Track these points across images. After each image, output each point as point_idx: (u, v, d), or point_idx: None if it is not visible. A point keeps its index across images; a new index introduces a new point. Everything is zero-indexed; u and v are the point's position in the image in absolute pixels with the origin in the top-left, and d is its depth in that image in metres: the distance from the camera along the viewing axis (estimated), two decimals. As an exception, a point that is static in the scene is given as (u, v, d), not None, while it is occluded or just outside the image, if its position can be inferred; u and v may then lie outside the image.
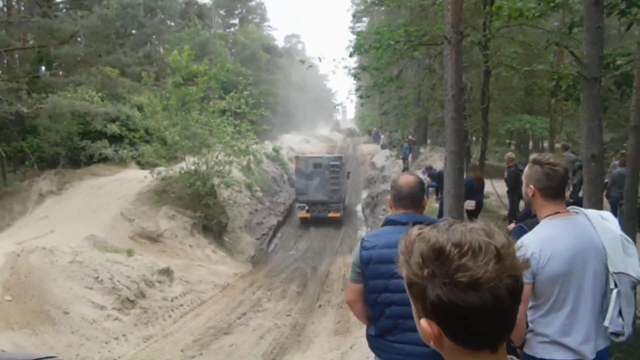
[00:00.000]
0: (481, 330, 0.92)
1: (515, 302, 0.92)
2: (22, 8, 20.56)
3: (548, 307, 2.41)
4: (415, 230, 1.00)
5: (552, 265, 2.36)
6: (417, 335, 2.65)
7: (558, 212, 2.51)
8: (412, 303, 1.01)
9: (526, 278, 2.22)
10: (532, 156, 2.69)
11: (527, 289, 2.34)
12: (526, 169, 2.61)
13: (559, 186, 2.51)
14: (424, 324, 0.96)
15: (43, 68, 21.18)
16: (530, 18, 7.90)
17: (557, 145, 15.28)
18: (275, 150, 22.58)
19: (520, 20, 8.55)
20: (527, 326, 2.52)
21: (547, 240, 2.42)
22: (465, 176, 11.11)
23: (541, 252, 2.37)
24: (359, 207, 26.13)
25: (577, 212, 2.56)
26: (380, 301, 2.72)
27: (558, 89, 7.16)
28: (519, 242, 2.48)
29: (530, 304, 2.45)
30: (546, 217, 2.52)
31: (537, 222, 2.62)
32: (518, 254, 0.94)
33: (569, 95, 7.16)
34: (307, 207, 21.54)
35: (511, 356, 1.04)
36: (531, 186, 2.54)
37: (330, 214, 21.42)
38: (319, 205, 21.42)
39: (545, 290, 2.40)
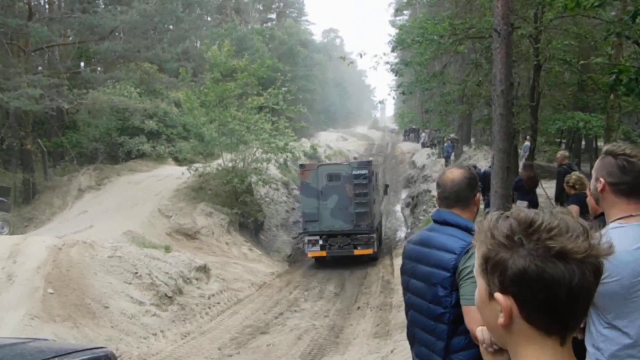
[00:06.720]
0: (560, 306, 0.92)
1: (596, 286, 0.93)
2: (63, 4, 20.97)
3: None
4: (496, 214, 1.01)
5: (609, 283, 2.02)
6: (428, 353, 2.25)
7: (631, 216, 2.16)
8: (481, 283, 1.00)
9: None
10: (606, 147, 2.36)
11: None
12: (597, 162, 2.31)
13: (635, 182, 2.17)
14: (498, 296, 0.95)
15: (83, 64, 21.60)
16: (588, 8, 7.44)
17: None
18: (313, 148, 22.39)
19: (576, 10, 8.10)
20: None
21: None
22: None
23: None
24: (398, 207, 25.57)
25: None
26: (406, 300, 2.62)
27: (618, 83, 6.70)
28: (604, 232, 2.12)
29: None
30: (616, 220, 2.18)
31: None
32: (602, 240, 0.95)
33: (630, 90, 6.72)
34: (321, 242, 14.92)
35: None
36: (601, 179, 2.22)
37: (358, 251, 14.82)
38: (338, 238, 14.86)
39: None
